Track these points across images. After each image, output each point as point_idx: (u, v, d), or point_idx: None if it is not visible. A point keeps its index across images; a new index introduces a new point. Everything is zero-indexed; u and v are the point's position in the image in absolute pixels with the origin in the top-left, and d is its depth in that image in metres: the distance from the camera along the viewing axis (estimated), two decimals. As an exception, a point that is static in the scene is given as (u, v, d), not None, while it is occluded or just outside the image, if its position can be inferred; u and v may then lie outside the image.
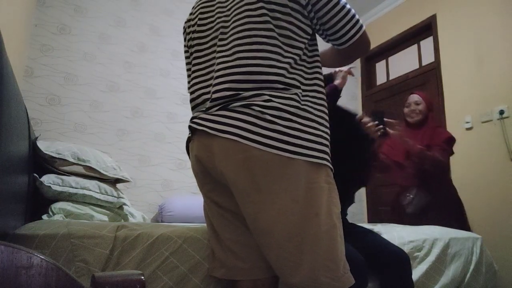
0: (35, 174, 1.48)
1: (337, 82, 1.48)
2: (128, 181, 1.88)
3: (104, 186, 1.66)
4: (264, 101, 0.85)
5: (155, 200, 2.81)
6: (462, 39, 3.08)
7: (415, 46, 3.66)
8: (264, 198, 0.83)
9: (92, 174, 1.67)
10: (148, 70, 2.99)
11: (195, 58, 1.05)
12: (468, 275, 1.64)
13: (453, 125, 3.07)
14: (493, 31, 2.85)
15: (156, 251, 1.04)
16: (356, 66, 3.96)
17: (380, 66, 4.10)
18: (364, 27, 1.00)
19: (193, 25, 1.08)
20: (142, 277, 0.59)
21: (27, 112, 1.39)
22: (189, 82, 1.07)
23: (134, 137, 2.82)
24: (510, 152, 2.62)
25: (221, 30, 0.98)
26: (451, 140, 2.10)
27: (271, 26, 0.90)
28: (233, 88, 0.89)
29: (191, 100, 1.03)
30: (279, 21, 0.91)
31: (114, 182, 1.84)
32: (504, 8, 2.79)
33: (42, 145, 1.56)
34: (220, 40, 0.97)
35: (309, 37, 0.97)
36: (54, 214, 1.46)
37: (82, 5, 2.79)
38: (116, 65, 2.86)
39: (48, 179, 1.49)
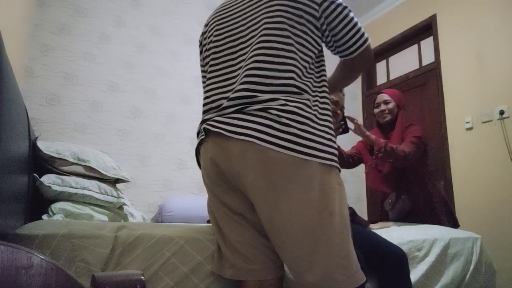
0: (35, 174, 1.48)
1: None
2: (128, 181, 1.88)
3: (104, 186, 1.66)
4: (280, 105, 0.89)
5: (155, 200, 2.81)
6: (462, 39, 3.08)
7: (415, 46, 3.66)
8: (279, 198, 0.85)
9: (92, 174, 1.67)
10: (148, 70, 2.99)
11: (211, 66, 1.08)
12: (468, 275, 1.64)
13: (453, 125, 3.07)
14: (493, 31, 2.85)
15: (158, 251, 1.05)
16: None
17: (380, 66, 4.10)
18: (369, 40, 1.09)
19: (209, 37, 1.12)
20: (142, 277, 0.59)
21: (27, 112, 1.39)
22: (205, 92, 1.11)
23: (134, 137, 2.82)
24: (510, 152, 2.62)
25: (240, 40, 1.02)
26: (419, 138, 1.99)
27: (288, 33, 0.96)
28: (250, 89, 0.92)
29: (205, 104, 1.05)
30: (295, 29, 0.97)
31: (114, 182, 1.84)
32: (504, 8, 2.79)
33: (42, 145, 1.56)
34: (241, 49, 1.02)
35: (319, 47, 1.03)
36: (54, 214, 1.46)
37: (82, 5, 2.79)
38: (116, 65, 2.86)
39: (48, 179, 1.49)
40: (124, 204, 1.76)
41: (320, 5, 0.99)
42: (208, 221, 1.87)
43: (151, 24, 3.09)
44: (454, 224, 2.02)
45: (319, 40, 1.02)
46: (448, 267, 1.59)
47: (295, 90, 0.92)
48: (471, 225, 2.79)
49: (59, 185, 1.50)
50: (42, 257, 0.49)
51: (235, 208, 0.97)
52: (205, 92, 1.07)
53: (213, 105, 1.02)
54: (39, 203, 1.52)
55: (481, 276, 1.69)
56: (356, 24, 1.05)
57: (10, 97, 0.81)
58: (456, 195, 2.95)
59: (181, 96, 3.11)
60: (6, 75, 0.74)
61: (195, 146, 3.06)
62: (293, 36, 0.96)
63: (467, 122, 2.94)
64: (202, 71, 1.23)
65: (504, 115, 2.67)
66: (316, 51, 1.01)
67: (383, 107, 2.14)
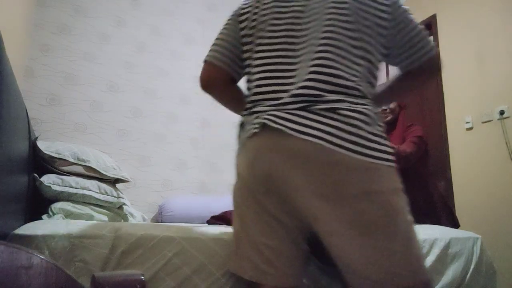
0: (35, 174, 1.48)
1: None
2: (128, 181, 1.88)
3: (104, 186, 1.66)
4: (348, 107, 0.87)
5: (155, 200, 2.81)
6: (462, 39, 3.08)
7: (415, 46, 3.66)
8: (345, 203, 0.83)
9: (92, 174, 1.67)
10: (148, 70, 2.99)
11: (262, 51, 1.02)
12: (468, 275, 1.64)
13: (453, 125, 3.07)
14: (493, 31, 2.85)
15: (159, 252, 1.04)
16: None
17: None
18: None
19: (262, 14, 1.05)
20: (142, 277, 0.59)
21: (27, 112, 1.39)
22: (257, 79, 1.01)
23: (134, 137, 2.82)
24: (510, 152, 2.61)
25: (305, 32, 0.98)
26: (420, 138, 1.99)
27: (356, 35, 0.94)
28: (317, 87, 0.89)
29: (256, 94, 0.99)
30: (362, 33, 0.95)
31: (114, 182, 1.84)
32: (504, 8, 2.79)
33: (42, 145, 1.56)
34: (304, 42, 0.98)
35: (383, 53, 1.02)
36: (54, 214, 1.46)
37: (82, 5, 2.79)
38: (116, 65, 2.86)
39: (48, 179, 1.49)
40: (124, 204, 1.76)
41: (390, 6, 0.99)
42: (208, 221, 1.87)
43: (151, 24, 3.09)
44: (455, 224, 2.02)
45: (381, 48, 1.00)
46: (448, 267, 1.58)
47: (359, 94, 0.91)
48: (471, 225, 2.79)
49: (59, 185, 1.50)
50: (42, 257, 0.49)
51: (273, 210, 0.93)
52: (256, 79, 1.00)
53: (268, 96, 0.96)
54: (39, 203, 1.52)
55: (482, 276, 1.69)
56: (423, 29, 1.03)
57: (10, 97, 0.81)
58: (456, 195, 2.95)
59: (181, 96, 3.10)
60: (6, 75, 0.74)
61: (195, 146, 3.07)
62: (359, 41, 0.95)
63: (467, 122, 2.94)
64: (221, 40, 1.12)
65: (504, 115, 2.67)
66: (379, 57, 0.99)
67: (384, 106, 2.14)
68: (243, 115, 1.03)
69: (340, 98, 0.88)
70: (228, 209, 1.93)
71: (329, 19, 0.96)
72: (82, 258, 0.96)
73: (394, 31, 1.01)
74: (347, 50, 0.93)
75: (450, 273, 1.58)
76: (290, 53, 0.98)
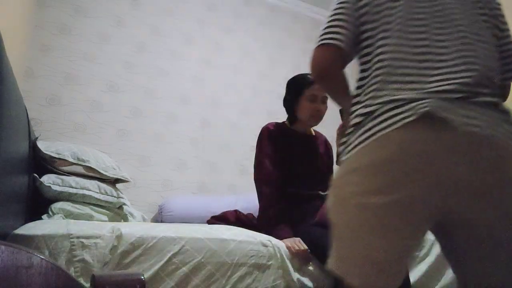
0: (35, 174, 1.48)
1: None
2: (127, 181, 1.88)
3: (103, 186, 1.66)
4: (501, 101, 0.87)
5: (155, 200, 2.81)
6: (462, 39, 3.09)
7: (415, 46, 3.66)
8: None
9: (92, 174, 1.67)
10: (148, 70, 2.99)
11: (395, 30, 0.92)
12: (468, 275, 1.64)
13: (453, 125, 3.07)
14: (493, 31, 2.85)
15: (159, 252, 1.05)
16: None
17: (380, 66, 4.10)
18: None
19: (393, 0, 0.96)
20: (142, 277, 0.59)
21: (27, 112, 1.39)
22: (386, 59, 0.91)
23: (134, 137, 2.82)
24: (510, 152, 2.62)
25: (452, 16, 0.94)
26: None
27: (493, 32, 0.97)
28: (477, 76, 0.85)
29: (389, 74, 0.89)
30: (496, 30, 0.99)
31: (113, 182, 1.84)
32: (504, 8, 2.79)
33: (42, 145, 1.56)
34: (447, 27, 0.93)
35: None
36: (54, 214, 1.46)
37: (82, 5, 2.79)
38: (116, 65, 2.86)
39: (48, 179, 1.49)
40: (124, 204, 1.76)
41: (504, 17, 1.02)
42: (208, 221, 1.86)
43: (151, 24, 3.09)
44: None
45: None
46: (448, 267, 1.59)
47: (500, 90, 0.92)
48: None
49: (59, 185, 1.50)
50: (42, 257, 0.49)
51: (414, 206, 0.81)
52: (386, 59, 0.90)
53: (409, 79, 0.87)
54: (39, 203, 1.52)
55: (481, 276, 1.69)
56: None
57: (11, 98, 0.81)
58: (456, 195, 2.95)
59: (181, 96, 3.10)
60: (6, 75, 0.74)
61: (195, 146, 3.07)
62: (494, 37, 0.97)
63: (467, 122, 2.94)
64: (340, 21, 0.98)
65: (504, 115, 2.67)
66: None
67: None
68: (371, 102, 0.89)
69: (493, 92, 0.86)
70: (228, 209, 1.93)
71: (474, 14, 0.96)
72: (82, 258, 0.97)
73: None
74: (492, 44, 0.94)
75: (450, 273, 1.58)
76: (435, 37, 0.91)
